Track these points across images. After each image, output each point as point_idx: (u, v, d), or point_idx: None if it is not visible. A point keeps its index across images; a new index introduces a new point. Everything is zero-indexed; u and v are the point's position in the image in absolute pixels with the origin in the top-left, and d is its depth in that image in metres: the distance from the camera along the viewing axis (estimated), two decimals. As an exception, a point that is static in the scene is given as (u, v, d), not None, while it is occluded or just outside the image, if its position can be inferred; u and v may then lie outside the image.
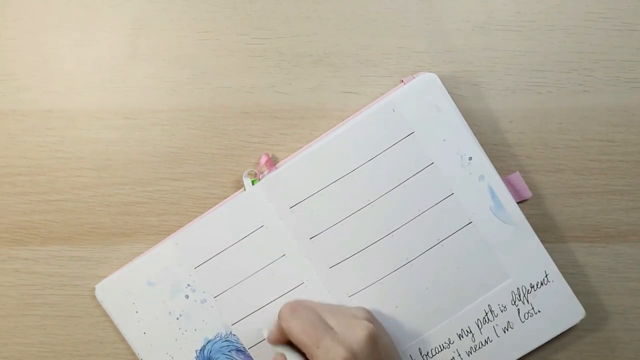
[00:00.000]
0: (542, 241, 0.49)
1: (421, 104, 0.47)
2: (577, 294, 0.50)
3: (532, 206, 0.50)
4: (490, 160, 0.50)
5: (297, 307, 0.45)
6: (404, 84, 0.48)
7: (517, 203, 0.48)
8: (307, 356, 0.43)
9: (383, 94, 0.50)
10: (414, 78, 0.48)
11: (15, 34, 0.51)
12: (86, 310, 0.51)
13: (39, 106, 0.51)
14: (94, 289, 0.50)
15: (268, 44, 0.50)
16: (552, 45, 0.50)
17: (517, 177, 0.49)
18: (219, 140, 0.50)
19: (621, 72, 0.50)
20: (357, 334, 0.42)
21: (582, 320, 0.50)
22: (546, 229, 0.50)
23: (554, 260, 0.49)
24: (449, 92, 0.47)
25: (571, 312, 0.49)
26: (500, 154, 0.50)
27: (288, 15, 0.50)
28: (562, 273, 0.50)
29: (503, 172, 0.50)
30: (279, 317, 0.45)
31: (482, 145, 0.49)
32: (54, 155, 0.51)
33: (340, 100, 0.50)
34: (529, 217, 0.49)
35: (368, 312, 0.47)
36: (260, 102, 0.50)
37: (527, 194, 0.49)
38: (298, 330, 0.43)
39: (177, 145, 0.50)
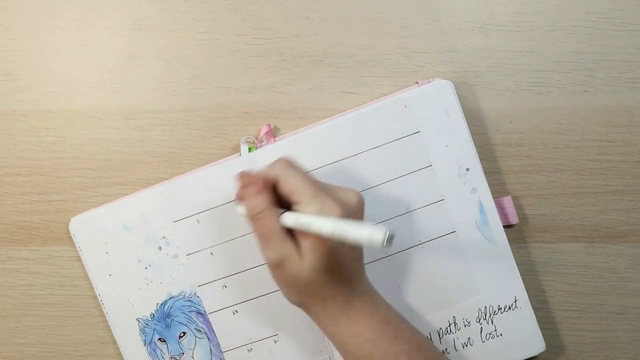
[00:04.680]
0: (542, 241, 0.49)
1: (432, 106, 0.48)
2: (577, 294, 0.50)
3: (532, 206, 0.50)
4: (490, 160, 0.50)
5: (294, 162, 0.43)
6: (419, 85, 0.48)
7: (503, 227, 0.48)
8: (295, 206, 0.41)
9: (384, 94, 0.50)
10: (429, 82, 0.48)
11: (15, 34, 0.51)
12: (86, 311, 0.51)
13: (39, 106, 0.51)
14: (94, 289, 0.50)
15: (268, 44, 0.50)
16: (552, 45, 0.50)
17: (508, 201, 0.49)
18: (219, 140, 0.50)
19: (621, 72, 0.50)
20: (350, 197, 0.42)
21: (582, 321, 0.50)
22: (546, 229, 0.50)
23: (554, 260, 0.49)
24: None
25: (532, 342, 0.49)
26: (500, 154, 0.50)
27: (288, 15, 0.50)
28: (562, 273, 0.50)
29: (503, 172, 0.50)
30: (273, 166, 0.43)
31: (482, 145, 0.50)
32: (54, 155, 0.51)
33: (340, 100, 0.50)
34: (529, 218, 0.49)
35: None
36: (260, 102, 0.50)
37: (514, 219, 0.49)
38: (297, 179, 0.41)
39: (177, 145, 0.50)
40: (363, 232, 0.38)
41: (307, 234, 0.41)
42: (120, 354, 0.50)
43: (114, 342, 0.50)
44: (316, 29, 0.50)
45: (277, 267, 0.42)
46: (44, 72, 0.51)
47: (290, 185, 0.41)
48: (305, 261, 0.41)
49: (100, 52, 0.50)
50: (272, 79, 0.50)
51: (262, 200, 0.42)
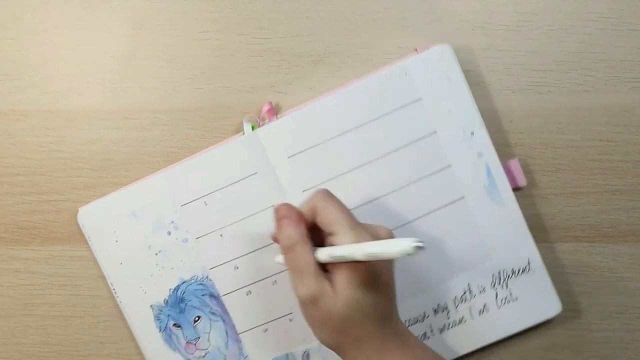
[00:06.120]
0: (542, 241, 0.49)
1: (433, 72, 0.48)
2: (577, 294, 0.50)
3: (532, 206, 0.50)
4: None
5: (333, 194, 0.43)
6: (418, 52, 0.48)
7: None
8: (331, 237, 0.41)
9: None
10: (428, 48, 0.48)
11: (15, 34, 0.51)
12: (86, 311, 0.51)
13: (39, 106, 0.51)
14: (93, 289, 0.50)
15: (268, 44, 0.50)
16: (552, 45, 0.50)
17: (515, 164, 0.49)
18: (219, 140, 0.50)
19: (621, 72, 0.50)
20: (383, 234, 0.42)
21: (581, 320, 0.50)
22: (546, 229, 0.50)
23: (555, 260, 0.49)
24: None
25: (548, 304, 0.49)
26: (500, 154, 0.50)
27: (288, 15, 0.50)
28: (562, 273, 0.50)
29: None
30: (313, 197, 0.43)
31: (482, 145, 0.50)
32: (54, 155, 0.51)
33: (340, 100, 0.50)
34: (529, 217, 0.49)
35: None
36: (260, 102, 0.50)
37: (522, 182, 0.49)
38: (336, 210, 0.41)
39: (177, 145, 0.50)
40: (395, 246, 0.36)
41: (340, 268, 0.40)
42: (120, 354, 0.50)
43: (114, 342, 0.50)
44: (316, 29, 0.50)
45: (310, 304, 0.41)
46: (44, 72, 0.51)
47: (330, 216, 0.41)
48: (339, 297, 0.40)
49: (100, 52, 0.50)
50: (272, 79, 0.50)
51: (296, 233, 0.41)
